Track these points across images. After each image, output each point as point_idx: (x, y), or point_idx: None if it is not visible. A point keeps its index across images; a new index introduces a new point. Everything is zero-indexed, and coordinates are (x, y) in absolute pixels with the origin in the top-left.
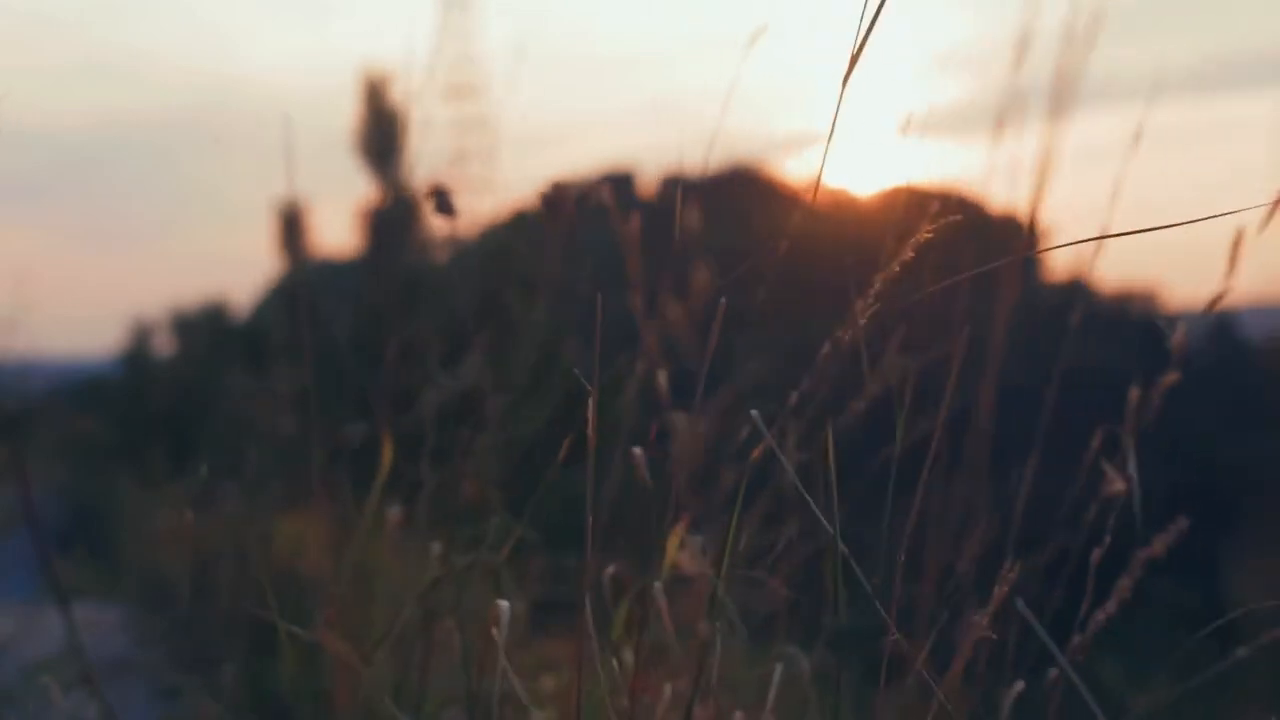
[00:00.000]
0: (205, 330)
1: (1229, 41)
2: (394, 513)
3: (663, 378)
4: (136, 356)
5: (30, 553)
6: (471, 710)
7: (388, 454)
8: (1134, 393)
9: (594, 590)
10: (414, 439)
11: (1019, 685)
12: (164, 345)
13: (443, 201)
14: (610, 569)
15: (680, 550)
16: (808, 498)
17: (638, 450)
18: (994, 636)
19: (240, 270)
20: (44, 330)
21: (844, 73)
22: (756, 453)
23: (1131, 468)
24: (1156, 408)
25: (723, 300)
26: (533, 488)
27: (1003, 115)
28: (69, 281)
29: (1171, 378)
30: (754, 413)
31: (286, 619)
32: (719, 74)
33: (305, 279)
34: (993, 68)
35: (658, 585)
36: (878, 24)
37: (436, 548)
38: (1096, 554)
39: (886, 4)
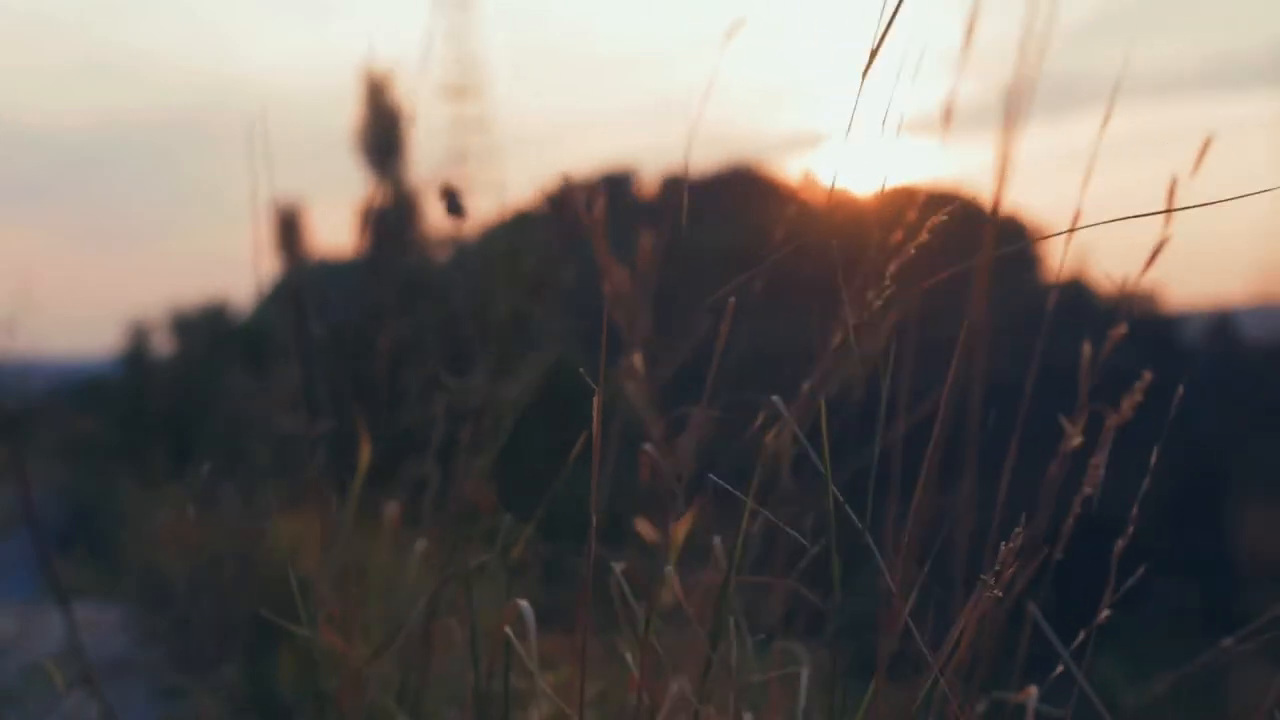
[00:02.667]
0: (205, 330)
1: (1230, 41)
2: (392, 509)
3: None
4: (136, 356)
5: (30, 553)
6: (478, 709)
7: (365, 452)
8: (1086, 347)
9: (596, 587)
10: (420, 439)
11: (1033, 689)
12: (164, 345)
13: (454, 203)
14: (620, 566)
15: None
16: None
17: (649, 448)
18: (999, 594)
19: (240, 270)
20: (44, 330)
21: (863, 68)
22: (769, 436)
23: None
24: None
25: (730, 300)
26: (533, 486)
27: (995, 115)
28: (69, 281)
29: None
30: (775, 398)
31: (286, 618)
32: (719, 74)
33: (303, 278)
34: (992, 67)
35: (670, 569)
36: (895, 21)
37: (435, 547)
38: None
39: (904, 3)
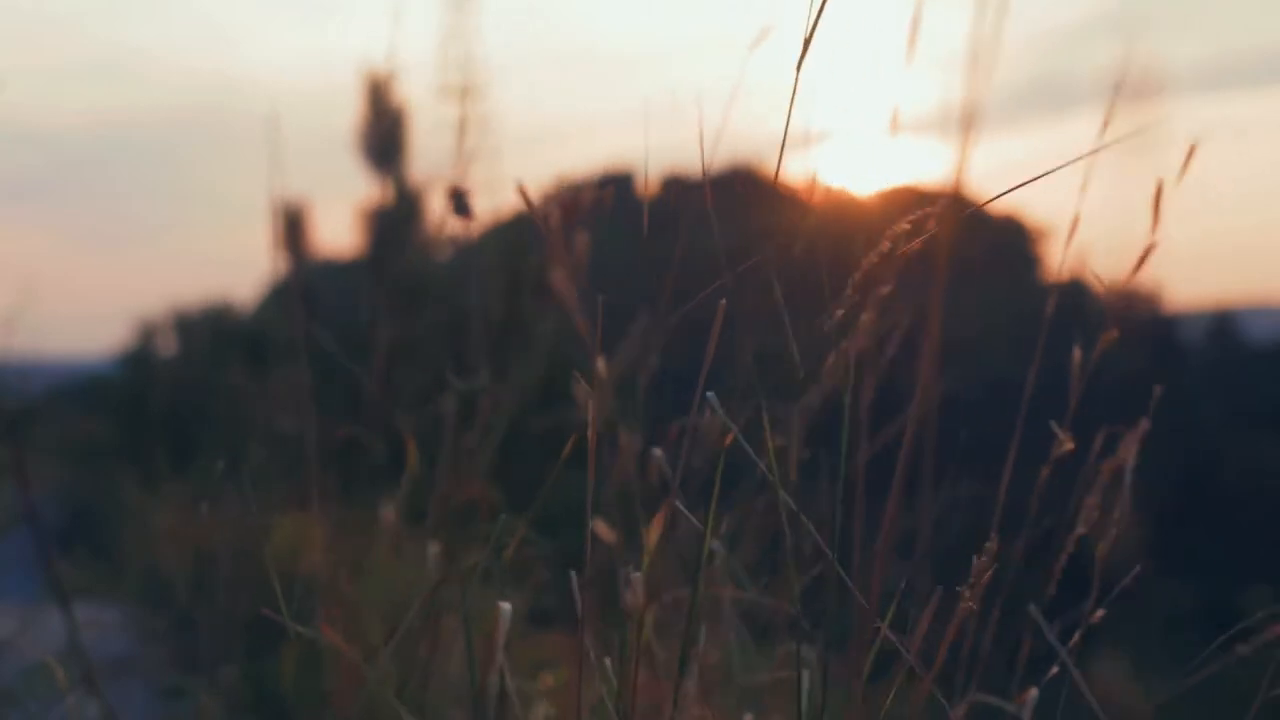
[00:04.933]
0: (207, 330)
1: (1230, 41)
2: (389, 512)
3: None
4: (138, 356)
5: (30, 553)
6: (475, 709)
7: (413, 455)
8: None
9: (594, 588)
10: (419, 439)
11: (1032, 691)
12: (165, 345)
13: (461, 203)
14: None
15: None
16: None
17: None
18: (975, 607)
19: (242, 270)
20: (44, 330)
21: (797, 60)
22: (728, 440)
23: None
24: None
25: (723, 301)
26: (532, 486)
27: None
28: (69, 281)
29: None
30: (709, 394)
31: (287, 617)
32: (719, 74)
33: (306, 278)
34: (988, 67)
35: (636, 574)
36: (825, 10)
37: (437, 547)
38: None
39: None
